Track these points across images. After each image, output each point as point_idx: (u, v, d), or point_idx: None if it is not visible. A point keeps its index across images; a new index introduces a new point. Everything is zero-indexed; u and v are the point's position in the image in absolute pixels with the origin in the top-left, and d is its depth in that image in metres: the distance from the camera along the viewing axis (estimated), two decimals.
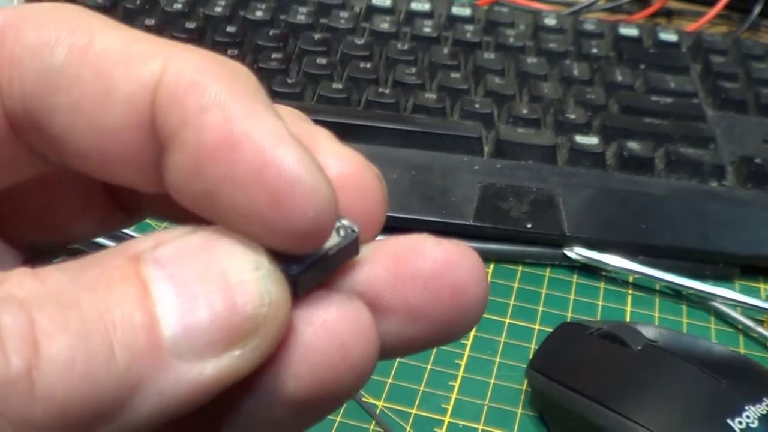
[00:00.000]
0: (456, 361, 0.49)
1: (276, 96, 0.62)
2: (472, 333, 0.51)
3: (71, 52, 0.20)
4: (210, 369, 0.18)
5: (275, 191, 0.19)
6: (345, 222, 0.21)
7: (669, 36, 0.74)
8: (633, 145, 0.60)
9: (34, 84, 0.20)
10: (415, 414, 0.46)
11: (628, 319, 0.53)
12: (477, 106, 0.62)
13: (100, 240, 0.43)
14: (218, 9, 0.71)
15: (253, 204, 0.19)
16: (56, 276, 0.18)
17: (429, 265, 0.21)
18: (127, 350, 0.17)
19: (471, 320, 0.22)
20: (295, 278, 0.20)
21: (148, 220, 0.35)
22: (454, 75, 0.66)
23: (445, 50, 0.69)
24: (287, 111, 0.22)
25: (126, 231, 0.49)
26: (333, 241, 0.20)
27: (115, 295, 0.18)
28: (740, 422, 0.40)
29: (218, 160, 0.19)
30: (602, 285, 0.55)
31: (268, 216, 0.19)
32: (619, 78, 0.67)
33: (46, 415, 0.17)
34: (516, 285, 0.55)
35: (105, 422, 0.18)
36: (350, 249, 0.21)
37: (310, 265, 0.20)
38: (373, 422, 0.45)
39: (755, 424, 0.40)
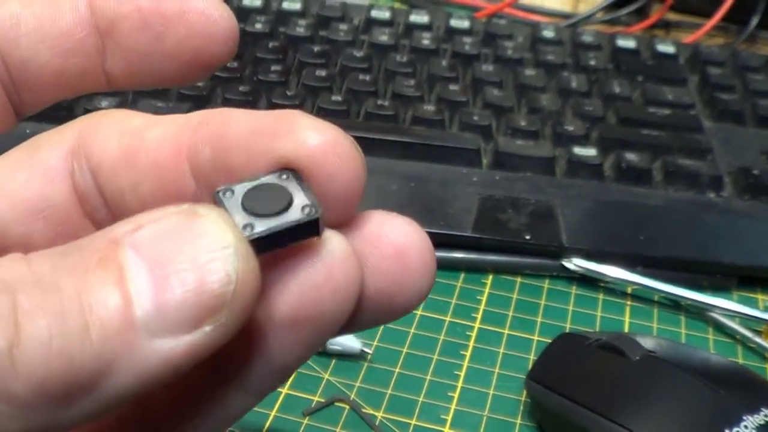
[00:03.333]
0: (455, 372, 0.49)
1: (276, 108, 0.62)
2: (471, 344, 0.51)
3: None
4: (182, 344, 0.19)
5: (198, 7, 0.25)
6: (312, 202, 0.22)
7: (667, 48, 0.74)
8: (631, 156, 0.61)
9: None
10: (415, 425, 0.46)
11: (626, 330, 0.53)
12: (476, 118, 0.63)
13: None
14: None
15: (186, 23, 0.25)
16: (41, 260, 0.20)
17: (375, 227, 0.24)
18: (101, 329, 0.19)
19: (418, 282, 0.24)
20: (252, 242, 0.21)
21: None
22: (453, 87, 0.66)
23: (444, 62, 0.69)
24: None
25: None
26: (295, 216, 0.22)
27: (92, 278, 0.19)
28: None
29: (153, 11, 0.25)
30: (601, 296, 0.56)
31: (196, 26, 0.26)
32: (617, 90, 0.68)
33: (28, 390, 0.18)
34: (515, 296, 0.55)
35: (84, 395, 0.19)
36: (311, 227, 0.22)
37: (262, 236, 0.22)
38: None
39: None
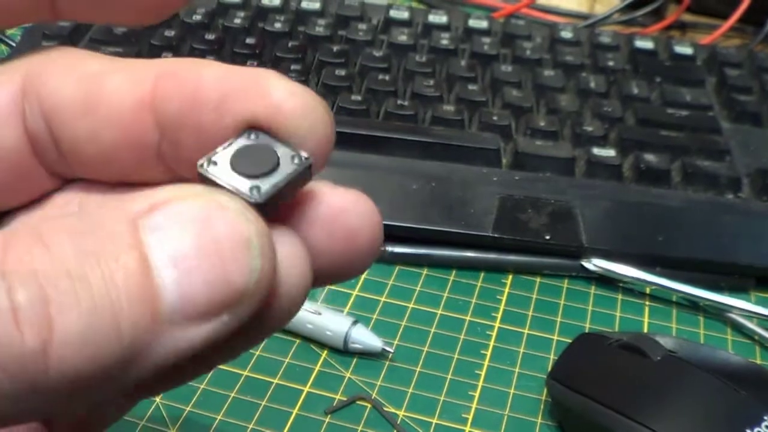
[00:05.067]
0: (476, 371, 0.50)
1: None
2: (492, 343, 0.51)
3: None
4: (201, 332, 0.20)
5: None
6: (300, 152, 0.23)
7: (684, 49, 0.74)
8: (650, 157, 0.61)
9: None
10: (436, 423, 0.46)
11: (645, 330, 0.53)
12: (495, 118, 0.63)
13: None
14: (237, 20, 0.72)
15: None
16: (61, 242, 0.19)
17: (325, 209, 0.24)
18: (131, 323, 0.19)
19: (365, 258, 0.25)
20: (261, 206, 0.22)
21: None
22: (472, 87, 0.66)
23: (463, 62, 0.69)
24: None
25: None
26: (290, 168, 0.22)
27: (118, 267, 0.19)
28: None
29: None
30: (620, 296, 0.56)
31: None
32: (636, 90, 0.68)
33: (60, 382, 0.19)
34: (534, 296, 0.55)
35: (110, 383, 0.20)
36: (305, 175, 0.23)
37: (273, 194, 0.22)
38: (394, 431, 0.46)
39: None
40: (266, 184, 0.22)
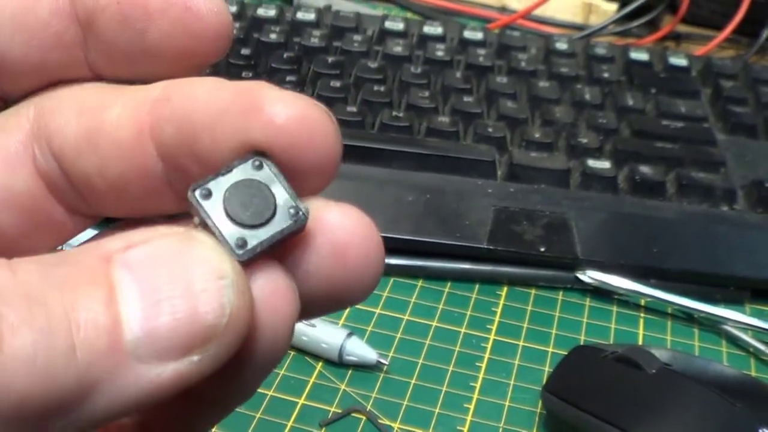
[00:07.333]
0: (471, 384, 0.49)
1: None
2: (486, 356, 0.51)
3: None
4: (168, 371, 0.19)
5: (184, 3, 0.23)
6: (299, 204, 0.22)
7: (679, 60, 0.74)
8: (644, 169, 0.61)
9: None
10: None
11: (640, 343, 0.53)
12: (490, 129, 0.63)
13: None
14: (233, 32, 0.72)
15: (169, 19, 0.23)
16: (29, 269, 0.19)
17: (309, 225, 0.22)
18: (88, 350, 0.18)
19: (360, 280, 0.23)
20: (245, 262, 0.21)
21: None
22: (467, 99, 0.66)
23: (458, 74, 0.69)
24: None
25: None
26: (284, 223, 0.21)
27: (81, 296, 0.19)
28: None
29: (133, 3, 0.23)
30: (615, 308, 0.56)
31: (181, 23, 0.23)
32: (630, 102, 0.68)
33: (5, 406, 0.18)
34: (529, 308, 0.55)
35: (62, 416, 0.18)
36: (299, 230, 0.22)
37: (257, 253, 0.21)
38: None
39: None
40: (254, 240, 0.21)
